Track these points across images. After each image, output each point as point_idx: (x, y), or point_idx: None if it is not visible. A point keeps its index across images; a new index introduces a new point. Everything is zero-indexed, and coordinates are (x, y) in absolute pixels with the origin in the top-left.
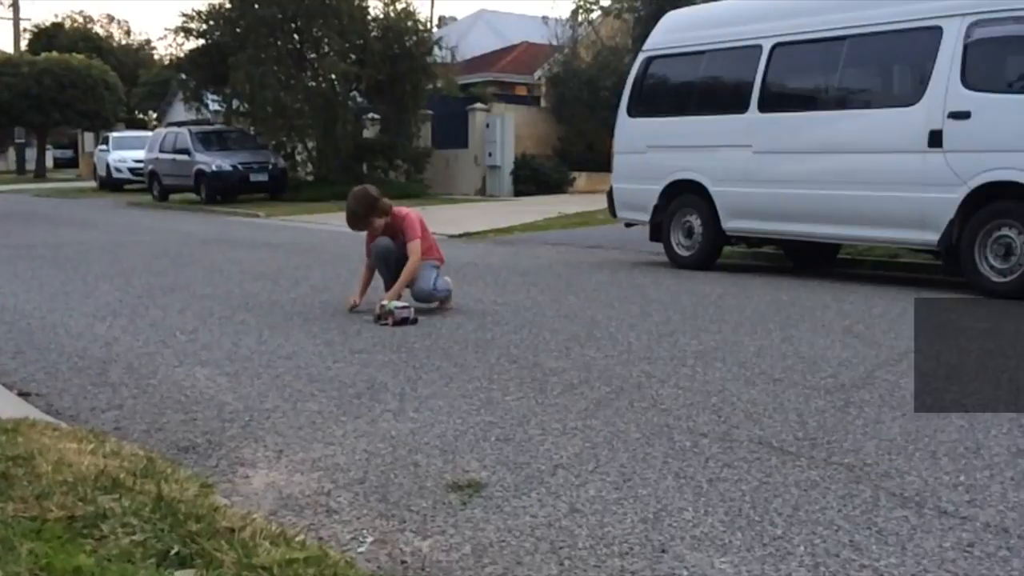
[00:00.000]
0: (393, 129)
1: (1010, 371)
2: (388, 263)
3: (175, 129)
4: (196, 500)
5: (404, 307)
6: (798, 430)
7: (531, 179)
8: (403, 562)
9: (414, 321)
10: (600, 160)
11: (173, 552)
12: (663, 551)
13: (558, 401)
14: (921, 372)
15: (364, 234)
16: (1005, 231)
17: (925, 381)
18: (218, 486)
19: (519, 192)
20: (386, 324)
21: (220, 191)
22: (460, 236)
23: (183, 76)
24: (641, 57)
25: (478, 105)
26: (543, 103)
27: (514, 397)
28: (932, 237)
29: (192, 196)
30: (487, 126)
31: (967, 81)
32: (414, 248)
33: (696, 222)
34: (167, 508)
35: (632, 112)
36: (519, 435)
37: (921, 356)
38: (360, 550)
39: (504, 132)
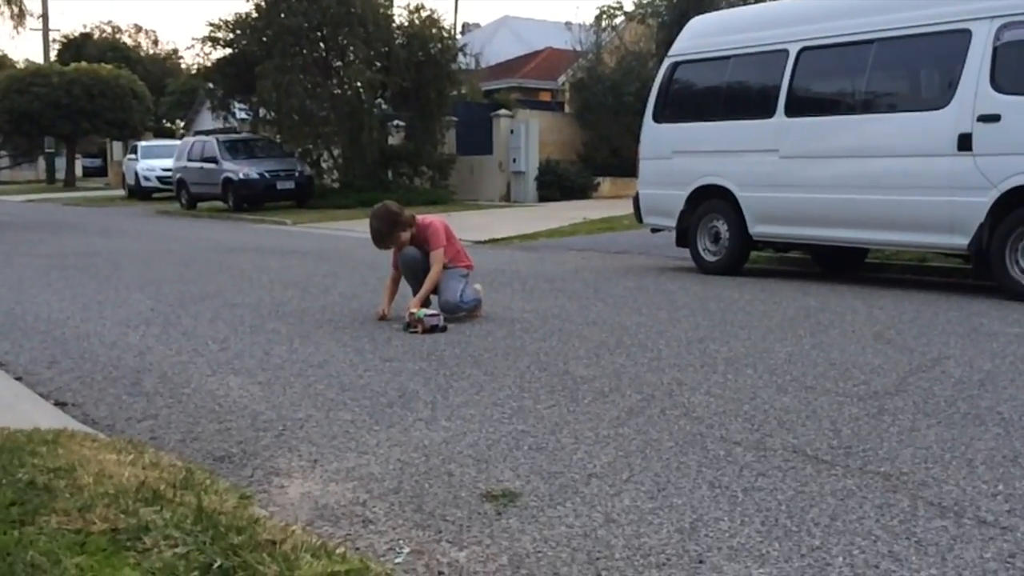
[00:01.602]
0: (418, 136)
1: None
2: (416, 274)
3: (203, 138)
4: (236, 512)
5: (434, 314)
6: (832, 438)
7: (555, 185)
8: (440, 573)
9: (444, 328)
10: (624, 165)
11: (216, 565)
12: (700, 562)
13: (590, 409)
14: (954, 378)
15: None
16: None
17: (959, 388)
18: (255, 497)
19: (543, 198)
20: (415, 332)
21: (247, 199)
22: (486, 242)
23: (210, 85)
24: (667, 62)
25: (502, 111)
26: (567, 108)
27: (545, 405)
28: (962, 241)
29: (220, 204)
30: (511, 132)
31: (997, 84)
32: (437, 256)
33: (723, 227)
34: (208, 520)
35: (658, 117)
36: (552, 444)
37: (954, 362)
38: (397, 561)
39: (528, 138)
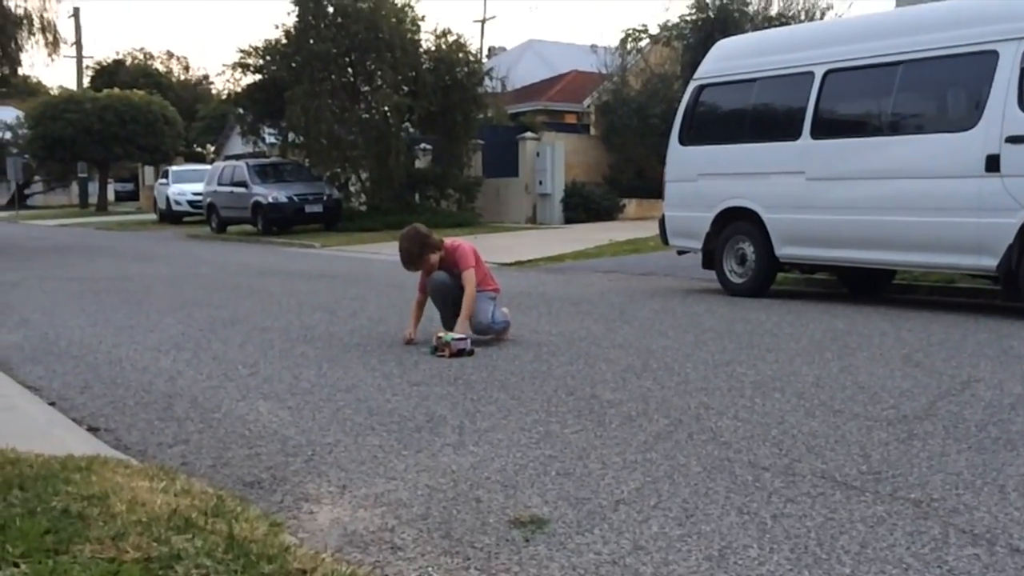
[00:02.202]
0: (445, 159)
1: None
2: (445, 298)
3: (232, 162)
4: (266, 540)
5: (461, 339)
6: (861, 463)
7: (581, 206)
8: None
9: (471, 352)
10: (650, 187)
11: None
12: None
13: (617, 434)
14: (985, 402)
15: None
16: None
17: (989, 412)
18: (285, 523)
19: (569, 219)
20: (443, 356)
21: (276, 222)
22: (512, 264)
23: (240, 110)
24: (692, 85)
25: (528, 134)
26: (592, 131)
27: (572, 430)
28: (990, 262)
29: (249, 228)
30: (537, 154)
31: None
32: (469, 277)
33: (749, 249)
34: (239, 549)
35: (684, 140)
36: (579, 469)
37: (984, 385)
38: None
39: (554, 160)
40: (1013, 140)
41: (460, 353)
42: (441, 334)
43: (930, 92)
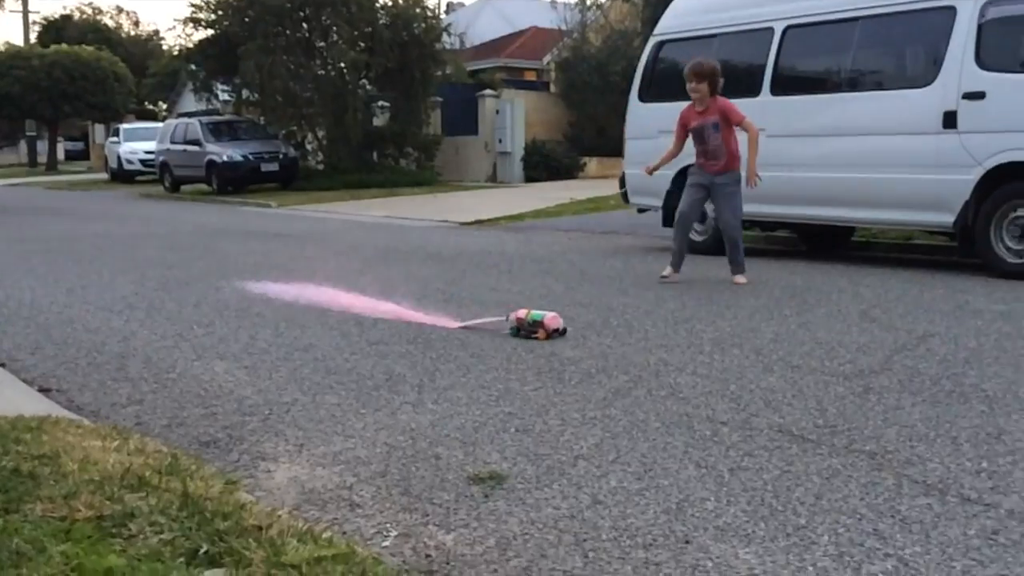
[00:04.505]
0: (403, 117)
1: None
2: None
3: (185, 120)
4: (222, 497)
5: (555, 316)
6: (818, 417)
7: (542, 165)
8: (428, 556)
9: (564, 331)
10: (611, 145)
11: (202, 551)
12: (687, 542)
13: (576, 390)
14: (940, 356)
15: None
16: (1021, 212)
17: (944, 366)
18: (241, 481)
19: (530, 178)
20: (537, 338)
21: (231, 181)
22: (472, 223)
23: (192, 67)
24: (652, 41)
25: (487, 91)
26: (553, 88)
27: (532, 387)
28: (947, 219)
29: (203, 187)
30: (497, 112)
31: (981, 61)
32: (751, 124)
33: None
34: (194, 506)
35: (643, 97)
36: (539, 426)
37: (939, 340)
38: (384, 544)
39: (514, 118)
40: (970, 96)
41: (556, 333)
42: (521, 313)
43: (889, 48)
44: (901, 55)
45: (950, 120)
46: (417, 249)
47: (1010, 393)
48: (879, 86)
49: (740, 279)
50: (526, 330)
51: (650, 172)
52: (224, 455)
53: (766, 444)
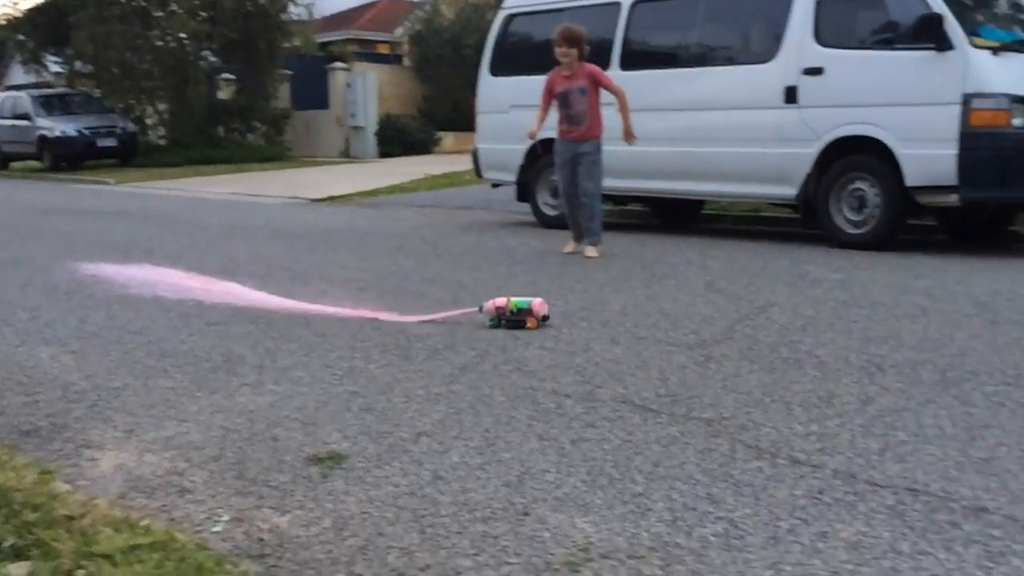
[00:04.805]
0: (249, 90)
1: (861, 320)
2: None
3: (14, 93)
4: (34, 488)
5: (539, 301)
6: (660, 387)
7: (396, 140)
8: (260, 540)
9: (547, 318)
10: (466, 119)
11: (7, 544)
12: (525, 514)
13: (423, 367)
14: (779, 325)
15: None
16: (859, 184)
17: (782, 334)
18: (62, 471)
19: (385, 153)
20: (530, 328)
21: (65, 158)
22: (323, 200)
23: (21, 37)
24: (501, 15)
25: (338, 64)
26: (406, 62)
27: (378, 365)
28: (790, 191)
29: (35, 163)
30: (348, 86)
31: (820, 38)
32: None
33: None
34: (2, 498)
35: (494, 71)
36: (382, 404)
37: (779, 309)
38: (215, 530)
39: (367, 92)
40: (809, 72)
41: (545, 319)
42: (501, 302)
43: (733, 24)
44: (745, 31)
45: (791, 95)
46: (264, 227)
47: (841, 358)
48: (724, 61)
49: (592, 251)
50: (509, 319)
51: (533, 136)
52: (45, 444)
53: (608, 415)
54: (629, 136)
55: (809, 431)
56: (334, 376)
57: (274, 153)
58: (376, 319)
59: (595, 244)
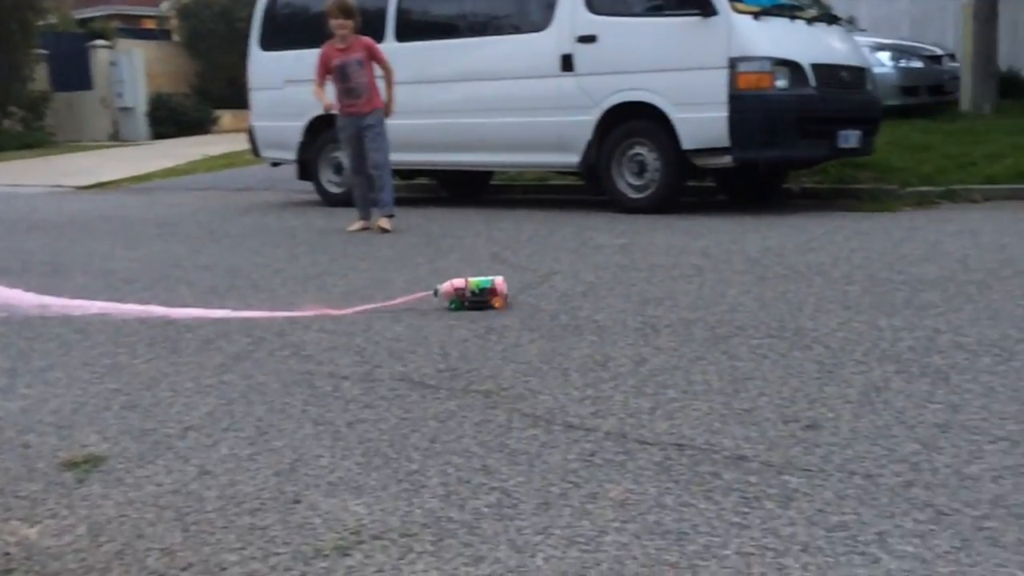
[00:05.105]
0: (3, 72)
1: (639, 284)
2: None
3: None
4: None
5: (503, 280)
6: (440, 362)
7: (170, 120)
8: (7, 554)
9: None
10: (243, 96)
11: None
12: (296, 502)
13: (192, 359)
14: (560, 292)
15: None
16: (638, 150)
17: (563, 301)
18: None
19: (158, 135)
20: (497, 308)
21: None
22: (91, 187)
23: None
24: None
25: (99, 42)
26: (175, 37)
27: (143, 359)
28: (573, 159)
29: None
30: (112, 64)
31: (591, 5)
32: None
33: (344, 158)
34: None
35: (265, 45)
36: (147, 400)
37: (561, 277)
38: None
39: (133, 70)
40: (583, 40)
41: (507, 297)
42: (460, 283)
43: None
44: (519, 1)
45: (567, 63)
46: (23, 219)
47: (619, 322)
48: (500, 31)
49: (386, 223)
50: (472, 300)
51: (329, 109)
52: None
53: (386, 394)
54: (389, 113)
55: (584, 395)
56: (94, 375)
57: (35, 139)
58: (325, 315)
59: (389, 215)
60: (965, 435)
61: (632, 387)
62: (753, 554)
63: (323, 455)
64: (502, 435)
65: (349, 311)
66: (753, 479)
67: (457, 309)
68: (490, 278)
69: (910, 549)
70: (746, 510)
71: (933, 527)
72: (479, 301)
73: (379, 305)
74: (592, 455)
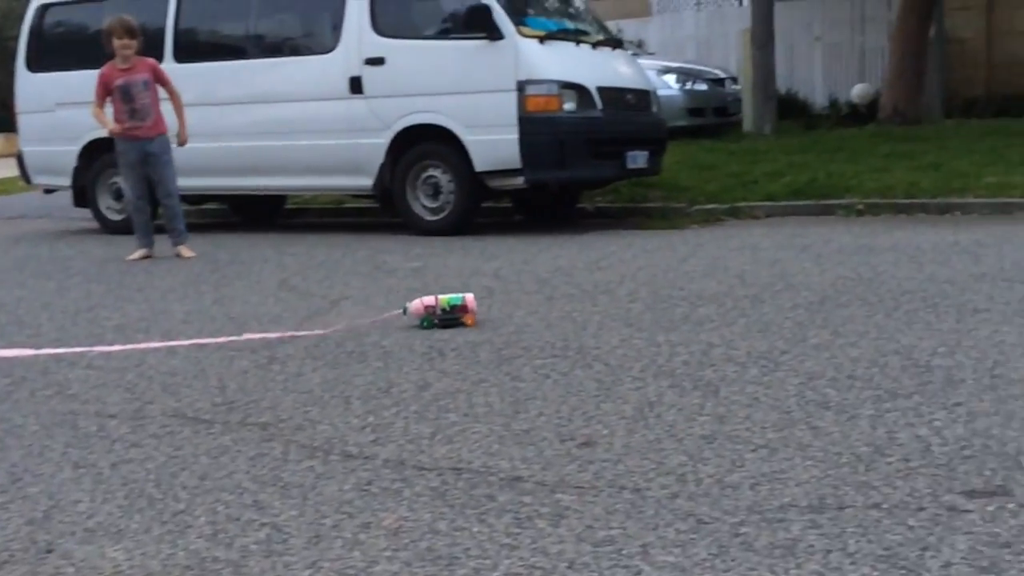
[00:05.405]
0: None
1: None
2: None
3: None
4: None
5: (472, 296)
6: (217, 396)
7: None
8: None
9: None
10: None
11: None
12: (49, 551)
13: None
14: (347, 317)
15: None
16: (432, 172)
17: (349, 327)
18: None
19: None
20: (468, 324)
21: None
22: None
23: None
24: (34, 5)
25: None
26: None
27: None
28: (367, 182)
29: None
30: None
31: (379, 28)
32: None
33: (124, 183)
34: None
35: (33, 67)
36: None
37: (351, 302)
38: None
39: None
40: (371, 62)
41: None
42: (430, 301)
43: (290, 14)
44: (305, 21)
45: (356, 85)
46: None
47: (406, 347)
48: (286, 52)
49: (186, 251)
50: (443, 319)
51: (114, 132)
52: None
53: (156, 432)
54: (184, 140)
55: (365, 423)
56: None
57: None
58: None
59: (185, 242)
60: (729, 445)
61: (414, 412)
62: (521, 574)
63: (82, 499)
64: (277, 468)
65: (308, 332)
66: (527, 499)
67: (428, 327)
68: (460, 295)
69: (671, 559)
70: (518, 531)
71: (693, 536)
72: (450, 318)
73: (343, 327)
74: (368, 484)
